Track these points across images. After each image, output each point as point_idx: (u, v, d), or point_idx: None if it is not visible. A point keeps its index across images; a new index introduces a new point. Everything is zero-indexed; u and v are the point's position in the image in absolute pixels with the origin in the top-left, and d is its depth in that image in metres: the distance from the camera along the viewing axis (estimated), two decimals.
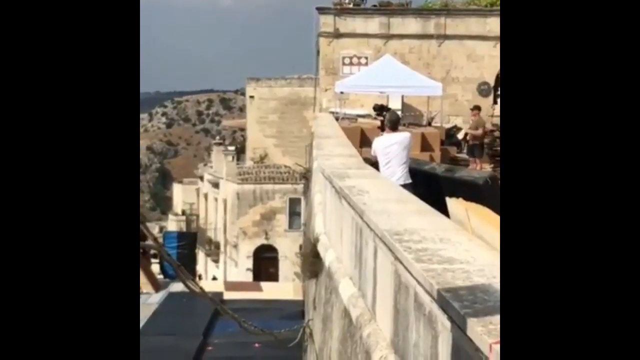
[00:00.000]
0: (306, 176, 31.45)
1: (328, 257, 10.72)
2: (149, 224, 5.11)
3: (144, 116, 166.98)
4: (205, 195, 63.33)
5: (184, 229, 65.00)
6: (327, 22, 34.88)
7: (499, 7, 35.59)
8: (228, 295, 33.33)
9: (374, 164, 12.79)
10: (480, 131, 23.49)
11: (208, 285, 35.35)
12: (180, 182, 79.86)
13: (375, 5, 36.27)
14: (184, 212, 71.46)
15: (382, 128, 13.89)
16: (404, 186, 11.13)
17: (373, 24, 34.95)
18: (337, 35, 34.62)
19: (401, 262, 5.70)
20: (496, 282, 4.68)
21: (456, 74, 34.50)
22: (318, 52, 35.74)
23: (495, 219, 8.23)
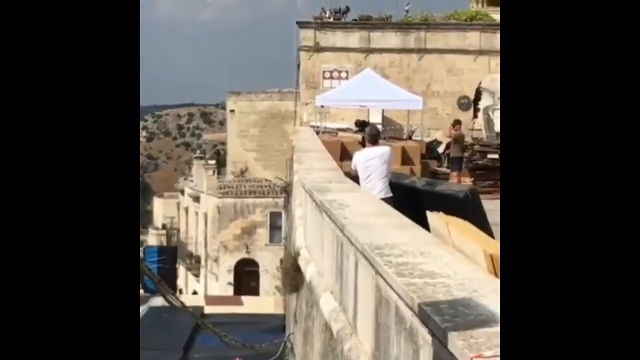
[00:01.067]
0: (287, 190, 31.48)
1: (309, 271, 10.72)
2: None
3: None
4: (186, 209, 63.19)
5: (165, 243, 64.81)
6: (307, 36, 34.95)
7: (478, 22, 35.90)
8: (209, 310, 33.23)
9: (355, 178, 12.80)
10: (458, 144, 23.57)
11: (189, 300, 35.25)
12: (161, 196, 79.70)
13: (355, 19, 36.39)
14: (164, 226, 71.22)
15: (363, 144, 13.92)
16: (385, 200, 11.14)
17: (353, 38, 35.04)
18: (318, 49, 34.69)
19: (382, 276, 5.70)
20: (477, 296, 4.69)
21: (436, 87, 34.62)
22: (298, 65, 35.80)
23: (476, 233, 8.25)
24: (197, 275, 58.70)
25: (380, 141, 14.72)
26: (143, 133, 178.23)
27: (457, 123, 25.17)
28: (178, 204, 67.96)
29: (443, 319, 4.24)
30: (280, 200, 46.47)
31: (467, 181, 22.52)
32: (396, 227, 7.41)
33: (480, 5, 43.83)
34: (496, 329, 4.02)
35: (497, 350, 3.65)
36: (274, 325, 26.69)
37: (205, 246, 56.78)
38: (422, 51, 34.82)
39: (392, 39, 35.13)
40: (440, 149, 28.46)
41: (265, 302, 41.03)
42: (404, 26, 35.86)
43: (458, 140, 24.11)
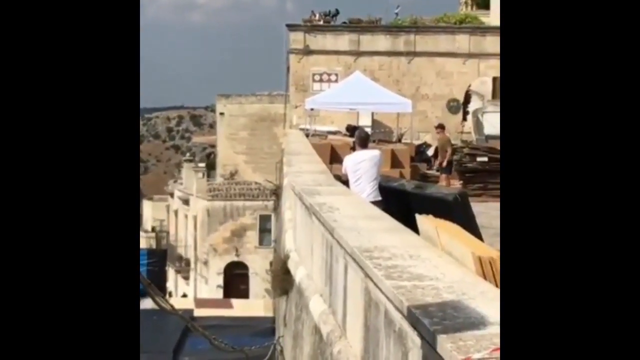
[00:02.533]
0: (276, 193, 31.45)
1: (298, 273, 10.72)
2: None
3: None
4: (176, 212, 63.06)
5: (154, 246, 64.66)
6: (297, 39, 34.98)
7: (467, 25, 36.00)
8: (198, 312, 33.17)
9: (346, 182, 12.80)
10: (449, 151, 23.58)
11: (178, 303, 35.19)
12: (150, 198, 79.47)
13: (345, 22, 36.42)
14: (153, 229, 71.07)
15: (354, 149, 13.96)
16: (374, 203, 11.13)
17: (343, 41, 35.08)
18: (307, 52, 34.71)
19: (371, 279, 5.71)
20: (466, 299, 4.71)
21: (426, 90, 34.68)
22: (288, 68, 35.81)
23: (465, 235, 8.26)
24: (186, 278, 58.58)
25: (370, 144, 14.73)
26: None
27: (439, 127, 25.16)
28: (168, 206, 67.82)
29: (432, 321, 4.25)
30: (270, 203, 46.45)
31: (457, 184, 22.53)
32: (385, 230, 7.43)
33: (469, 8, 43.97)
34: (485, 332, 4.04)
35: (486, 353, 3.67)
36: (264, 328, 26.65)
37: (195, 249, 56.68)
38: (412, 54, 34.88)
39: (381, 42, 35.19)
40: (430, 152, 28.48)
41: (255, 305, 40.99)
42: (394, 29, 35.92)
43: (444, 144, 24.12)
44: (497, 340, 3.80)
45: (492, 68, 34.50)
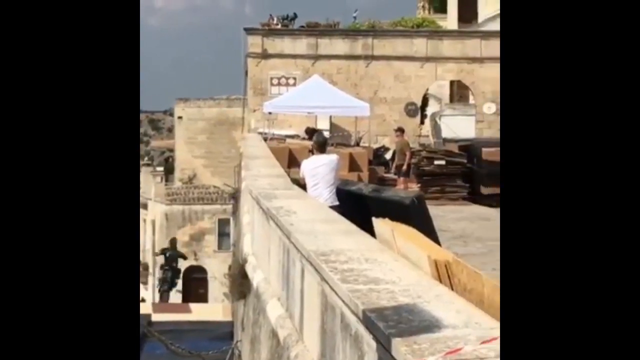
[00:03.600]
0: (235, 196, 31.37)
1: (256, 277, 10.71)
2: None
3: None
4: None
5: None
6: (255, 43, 34.94)
7: (425, 29, 36.22)
8: (156, 317, 32.98)
9: (304, 186, 12.79)
10: (408, 155, 23.70)
11: None
12: None
13: (303, 26, 36.46)
14: None
15: (312, 152, 13.99)
16: (332, 208, 11.13)
17: (301, 45, 35.10)
18: (265, 55, 34.68)
19: (327, 283, 5.72)
20: (421, 302, 4.73)
21: (384, 94, 34.77)
22: (246, 72, 35.77)
23: (421, 238, 8.29)
24: (144, 283, 58.25)
25: (328, 148, 14.74)
26: None
27: (398, 130, 25.30)
28: None
29: (387, 325, 4.26)
30: (229, 207, 46.33)
31: (414, 187, 22.62)
32: (342, 233, 7.44)
33: (427, 12, 44.22)
34: (439, 335, 4.06)
35: (440, 356, 3.69)
36: (222, 333, 26.56)
37: (153, 253, 56.39)
38: (370, 58, 34.97)
39: (339, 45, 35.25)
40: (388, 156, 28.59)
41: (213, 309, 40.81)
42: (352, 33, 36.02)
43: (402, 147, 24.24)
44: (452, 343, 3.82)
45: (450, 71, 34.72)
